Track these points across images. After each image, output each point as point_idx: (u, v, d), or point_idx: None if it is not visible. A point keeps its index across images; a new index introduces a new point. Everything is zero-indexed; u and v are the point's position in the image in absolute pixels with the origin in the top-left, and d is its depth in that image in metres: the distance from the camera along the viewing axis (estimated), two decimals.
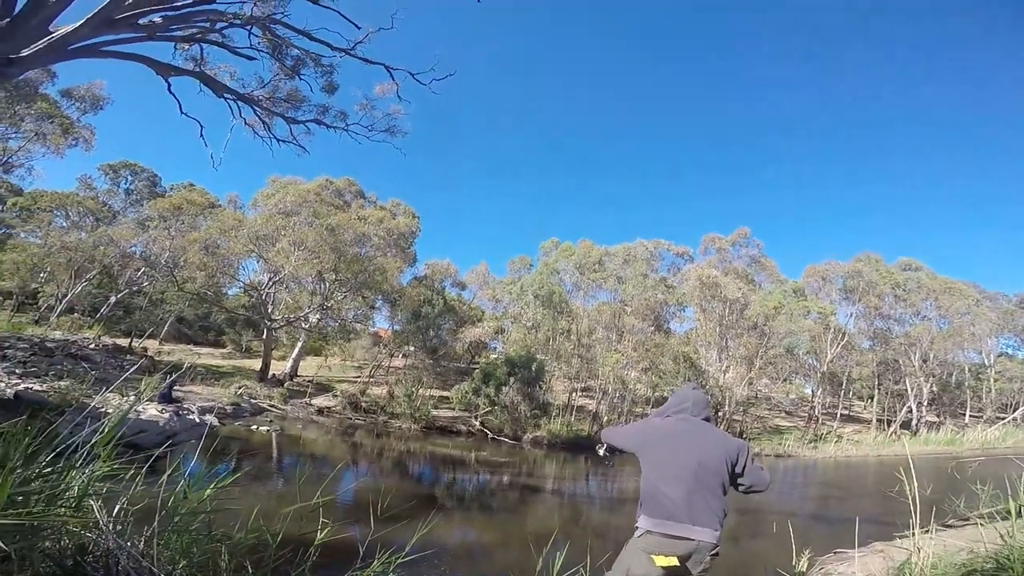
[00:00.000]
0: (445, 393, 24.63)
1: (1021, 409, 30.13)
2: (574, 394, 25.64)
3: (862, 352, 31.17)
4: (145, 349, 24.14)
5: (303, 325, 23.69)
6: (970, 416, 31.62)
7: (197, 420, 10.46)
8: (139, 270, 25.60)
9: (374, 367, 28.71)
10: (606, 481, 15.65)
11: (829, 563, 4.64)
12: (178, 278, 21.38)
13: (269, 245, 20.80)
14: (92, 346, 20.01)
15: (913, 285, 30.23)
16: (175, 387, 11.73)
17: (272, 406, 17.24)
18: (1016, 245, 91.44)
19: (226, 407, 14.25)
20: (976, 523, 5.20)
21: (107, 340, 23.25)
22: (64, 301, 25.51)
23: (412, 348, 27.94)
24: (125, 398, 10.76)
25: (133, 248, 25.04)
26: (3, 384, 9.18)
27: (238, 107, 11.41)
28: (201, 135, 11.58)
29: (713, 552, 2.24)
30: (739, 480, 2.41)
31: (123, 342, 23.68)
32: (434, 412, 21.61)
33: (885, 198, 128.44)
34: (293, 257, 20.13)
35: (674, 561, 2.18)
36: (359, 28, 11.04)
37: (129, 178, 35.91)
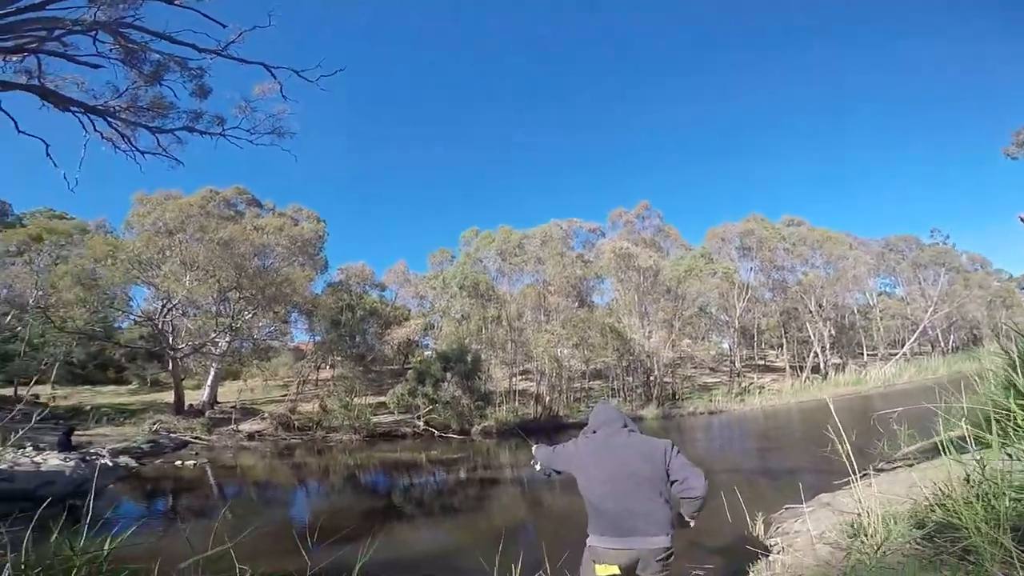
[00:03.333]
0: (382, 399, 23.95)
1: (908, 344, 34.83)
2: (514, 379, 26.00)
3: (766, 303, 34.72)
4: (36, 396, 21.31)
5: (213, 351, 21.74)
6: (867, 355, 36.25)
7: (110, 463, 9.36)
8: (6, 314, 22.09)
9: (300, 383, 27.17)
10: None
11: (784, 520, 4.98)
12: (53, 318, 18.71)
13: (155, 269, 18.81)
14: None
15: (797, 238, 34.03)
16: (73, 433, 10.33)
17: (196, 438, 15.87)
18: (877, 195, 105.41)
19: (142, 446, 13.09)
20: (904, 466, 6.01)
21: None
22: None
23: (339, 358, 26.75)
24: (21, 450, 9.40)
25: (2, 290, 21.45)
26: None
27: (91, 120, 10.12)
28: (48, 154, 10.12)
29: (662, 557, 2.29)
30: (671, 478, 2.40)
31: (8, 392, 21.03)
32: (374, 419, 20.97)
33: (766, 161, 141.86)
34: (186, 279, 18.42)
35: (615, 570, 2.31)
36: (225, 27, 10.12)
37: None
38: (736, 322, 32.39)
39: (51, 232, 22.82)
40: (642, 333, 28.62)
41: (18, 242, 22.19)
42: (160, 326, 19.05)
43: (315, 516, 8.35)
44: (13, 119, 9.12)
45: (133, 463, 10.63)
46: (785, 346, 35.15)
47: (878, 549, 3.13)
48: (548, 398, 25.43)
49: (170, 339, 19.62)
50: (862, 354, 36.66)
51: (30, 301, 20.06)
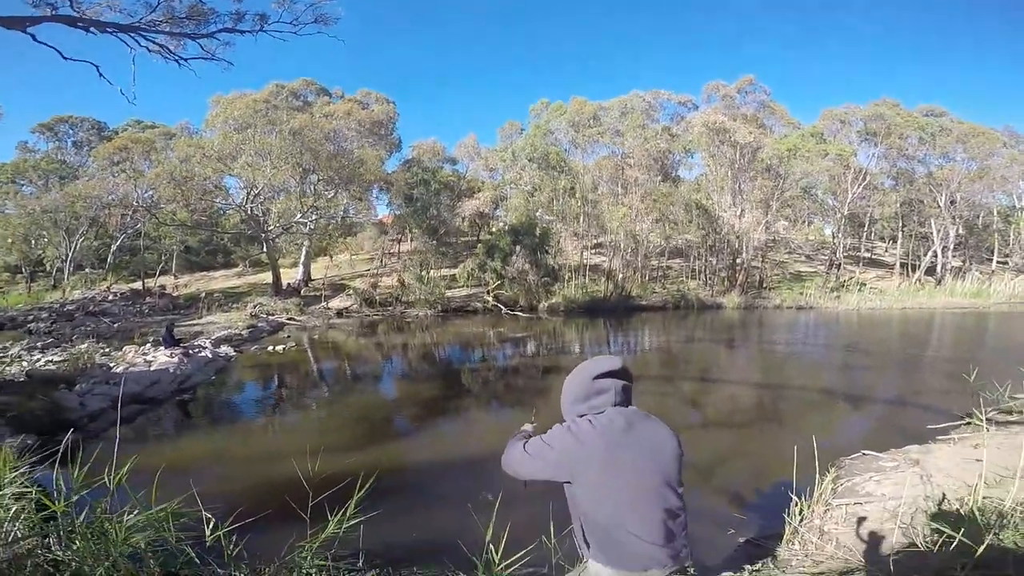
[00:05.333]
0: (456, 271, 24.81)
1: None
2: (586, 252, 25.58)
3: (884, 192, 30.03)
4: (163, 287, 24.60)
5: (303, 229, 23.53)
6: (997, 262, 31.03)
7: (210, 356, 10.29)
8: (124, 215, 25.00)
9: (382, 256, 28.71)
10: (627, 341, 15.94)
11: (857, 473, 4.22)
12: (158, 215, 21.56)
13: (234, 162, 20.19)
14: (109, 298, 20.27)
15: (937, 128, 28.36)
16: (174, 328, 11.34)
17: (290, 319, 17.37)
18: None
19: (242, 332, 13.98)
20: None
21: (122, 287, 23.68)
22: (70, 261, 25.76)
23: (415, 231, 27.62)
24: (141, 348, 10.73)
25: (111, 196, 24.09)
26: (26, 363, 9.18)
27: (132, 38, 9.99)
28: (100, 75, 10.35)
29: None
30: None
31: (138, 285, 24.04)
32: (448, 293, 21.87)
33: (896, 46, 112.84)
34: (267, 168, 19.64)
35: None
36: None
37: (70, 131, 35.91)
38: (846, 208, 28.34)
39: (137, 141, 24.86)
40: (733, 212, 26.19)
41: (110, 154, 24.46)
42: (250, 211, 20.54)
43: (393, 402, 8.83)
44: (56, 48, 9.25)
45: (232, 352, 11.37)
46: (900, 240, 30.80)
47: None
48: (621, 275, 24.94)
49: (261, 222, 21.16)
50: (991, 260, 31.28)
51: (134, 202, 22.64)
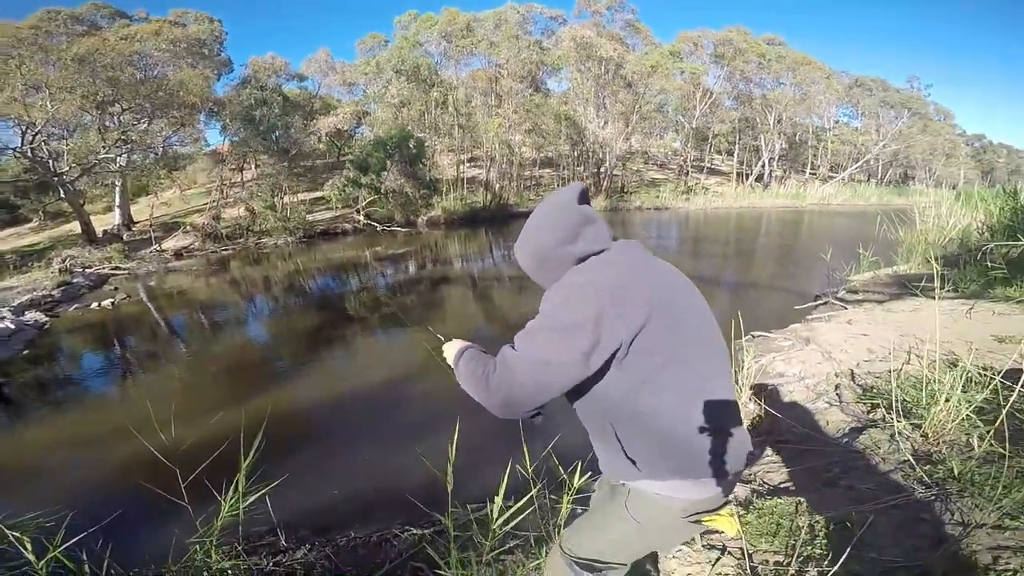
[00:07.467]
0: (317, 194, 22.83)
1: (849, 170, 37.23)
2: (462, 166, 24.94)
3: (726, 110, 34.51)
4: None
5: (110, 168, 19.02)
6: (809, 173, 38.36)
7: (12, 326, 7.96)
8: None
9: (221, 187, 24.61)
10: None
11: (761, 353, 4.27)
12: None
13: None
14: None
15: (775, 55, 32.23)
16: None
17: (116, 268, 14.20)
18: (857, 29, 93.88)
19: (53, 292, 11.03)
20: (874, 300, 5.43)
21: None
22: None
23: (263, 157, 23.98)
24: None
25: None
26: None
27: None
28: None
29: None
30: None
31: None
32: (310, 217, 20.07)
33: None
34: (45, 102, 15.67)
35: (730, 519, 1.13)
36: None
37: None
38: (694, 123, 32.22)
39: None
40: (597, 124, 27.31)
41: None
42: (33, 154, 15.99)
43: (267, 345, 7.54)
44: None
45: (44, 318, 8.99)
46: (736, 153, 36.05)
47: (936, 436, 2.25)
48: (498, 186, 24.92)
49: (52, 166, 16.70)
50: (804, 171, 38.40)
51: None
